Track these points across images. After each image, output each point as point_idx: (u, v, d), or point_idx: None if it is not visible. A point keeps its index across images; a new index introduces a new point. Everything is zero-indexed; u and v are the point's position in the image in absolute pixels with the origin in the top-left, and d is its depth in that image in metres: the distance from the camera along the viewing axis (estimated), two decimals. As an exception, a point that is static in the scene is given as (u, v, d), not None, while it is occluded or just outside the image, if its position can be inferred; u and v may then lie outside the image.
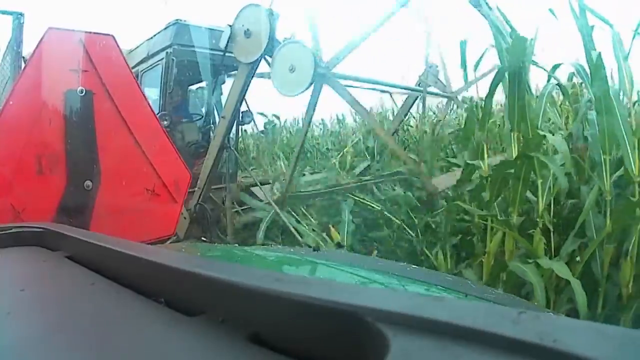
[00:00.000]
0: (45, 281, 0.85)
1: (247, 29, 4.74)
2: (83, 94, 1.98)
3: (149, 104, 2.30)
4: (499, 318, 0.38)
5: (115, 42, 2.15)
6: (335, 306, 0.43)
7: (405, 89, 7.08)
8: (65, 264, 0.90)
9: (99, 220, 2.07)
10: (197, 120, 6.95)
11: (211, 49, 5.87)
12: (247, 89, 5.19)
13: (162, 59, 5.99)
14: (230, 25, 4.85)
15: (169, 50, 5.94)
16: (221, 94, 6.83)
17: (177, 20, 6.00)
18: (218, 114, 6.80)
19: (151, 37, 6.34)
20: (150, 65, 6.05)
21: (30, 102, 1.96)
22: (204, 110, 7.19)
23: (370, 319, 0.40)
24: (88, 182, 2.04)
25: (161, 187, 2.26)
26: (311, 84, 4.57)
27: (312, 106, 5.16)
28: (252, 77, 5.06)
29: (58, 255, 0.96)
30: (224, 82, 6.75)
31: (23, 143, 1.94)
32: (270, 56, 4.72)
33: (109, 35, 2.11)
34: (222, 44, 4.94)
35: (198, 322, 0.54)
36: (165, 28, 6.13)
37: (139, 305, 0.64)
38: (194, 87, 7.37)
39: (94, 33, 2.05)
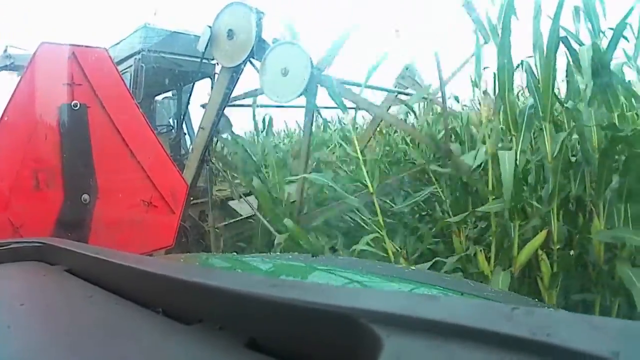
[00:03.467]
0: (44, 295, 0.85)
1: (230, 30, 4.31)
2: (77, 107, 1.98)
3: (143, 115, 2.30)
4: (492, 314, 0.38)
5: (108, 55, 2.15)
6: (329, 309, 0.43)
7: (387, 91, 6.56)
8: (64, 277, 0.90)
9: (97, 233, 2.07)
10: (167, 131, 6.54)
11: (183, 55, 5.53)
12: (229, 96, 4.77)
13: (131, 65, 5.54)
14: (210, 26, 4.41)
15: (137, 56, 5.52)
16: (188, 103, 6.49)
17: (146, 24, 5.61)
18: (186, 125, 6.48)
19: (118, 43, 5.85)
20: None
21: (26, 117, 1.96)
22: (173, 121, 6.78)
23: (364, 320, 0.40)
24: (85, 196, 2.04)
25: (158, 199, 2.26)
26: (309, 87, 4.12)
27: (310, 111, 4.63)
28: (236, 82, 4.64)
29: (57, 269, 0.96)
30: (191, 92, 6.42)
31: (20, 158, 1.94)
32: (257, 59, 4.32)
33: (101, 48, 2.12)
34: (201, 47, 4.49)
35: (196, 330, 0.55)
36: (134, 32, 5.71)
37: (137, 316, 0.64)
38: (164, 96, 6.97)
39: (87, 46, 2.05)
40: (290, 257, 1.83)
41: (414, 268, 1.76)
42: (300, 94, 4.20)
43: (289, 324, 0.46)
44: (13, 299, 0.80)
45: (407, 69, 6.58)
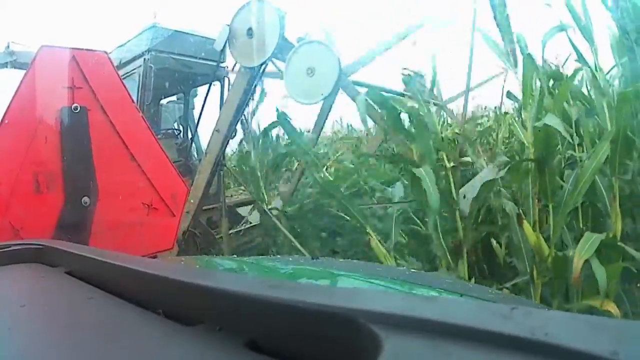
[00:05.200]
0: (45, 297, 0.85)
1: (250, 28, 4.07)
2: (77, 110, 1.98)
3: (143, 118, 2.30)
4: (491, 315, 0.38)
5: (108, 58, 2.16)
6: (328, 310, 0.43)
7: (399, 94, 6.47)
8: (64, 279, 0.90)
9: (97, 236, 2.07)
10: (175, 135, 6.34)
11: (194, 57, 5.38)
12: (249, 98, 4.52)
13: (139, 66, 5.29)
14: (228, 25, 4.18)
15: (146, 57, 5.26)
16: (193, 107, 6.32)
17: (154, 24, 5.38)
18: (190, 129, 6.28)
19: (124, 43, 5.66)
20: (125, 74, 5.10)
21: (26, 120, 1.96)
22: (179, 125, 6.56)
23: (363, 320, 0.40)
24: (85, 199, 2.04)
25: (158, 201, 2.26)
26: (335, 88, 3.92)
27: (325, 113, 4.48)
28: (256, 83, 4.39)
29: (57, 271, 0.96)
30: (196, 95, 6.26)
31: (20, 161, 1.94)
32: (279, 59, 4.15)
33: (101, 51, 2.12)
34: (219, 46, 4.27)
35: (196, 331, 0.55)
36: (141, 33, 5.48)
37: (138, 317, 0.64)
38: (168, 100, 6.73)
39: (87, 50, 2.06)
40: (290, 259, 1.83)
41: (414, 270, 1.76)
42: (328, 96, 4.02)
43: (288, 324, 0.47)
44: (13, 300, 0.81)
45: (416, 75, 6.46)
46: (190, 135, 6.33)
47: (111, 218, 2.14)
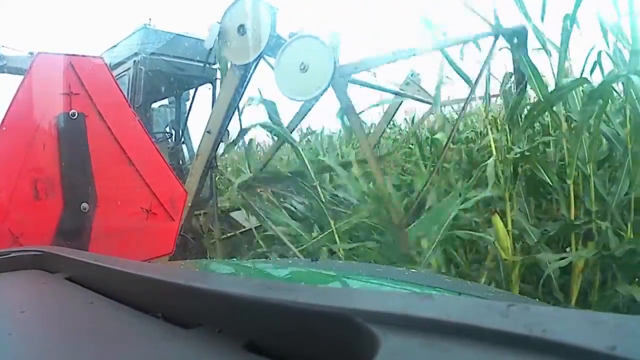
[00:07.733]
0: (45, 302, 0.86)
1: (242, 25, 3.95)
2: (75, 116, 1.98)
3: (140, 123, 2.30)
4: (488, 312, 0.38)
5: (105, 63, 2.16)
6: (326, 310, 0.43)
7: (395, 93, 6.08)
8: (64, 285, 0.90)
9: (97, 241, 2.07)
10: (166, 139, 6.24)
11: (184, 58, 5.32)
12: (240, 97, 4.36)
13: (129, 69, 5.24)
14: (219, 22, 4.05)
15: (136, 59, 5.22)
16: (190, 110, 6.23)
17: (145, 25, 5.35)
18: (182, 133, 6.20)
19: (115, 45, 5.57)
20: (115, 77, 4.93)
21: (24, 127, 1.96)
22: (171, 128, 6.46)
23: (360, 320, 0.40)
24: (84, 205, 2.04)
25: (157, 206, 2.25)
26: (331, 84, 3.66)
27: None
28: (248, 82, 4.25)
29: (57, 277, 0.96)
30: (188, 99, 6.17)
31: (18, 168, 1.94)
32: (271, 56, 3.97)
33: (98, 57, 2.13)
34: (209, 44, 4.13)
35: (195, 334, 0.55)
36: (132, 34, 5.41)
37: (137, 321, 0.64)
38: (160, 103, 6.65)
39: (83, 56, 2.06)
40: (290, 261, 1.84)
41: (414, 271, 1.76)
42: (323, 92, 3.77)
43: (286, 325, 0.47)
44: (14, 306, 0.81)
45: (412, 75, 6.39)
46: (182, 139, 6.28)
47: (110, 223, 2.13)
